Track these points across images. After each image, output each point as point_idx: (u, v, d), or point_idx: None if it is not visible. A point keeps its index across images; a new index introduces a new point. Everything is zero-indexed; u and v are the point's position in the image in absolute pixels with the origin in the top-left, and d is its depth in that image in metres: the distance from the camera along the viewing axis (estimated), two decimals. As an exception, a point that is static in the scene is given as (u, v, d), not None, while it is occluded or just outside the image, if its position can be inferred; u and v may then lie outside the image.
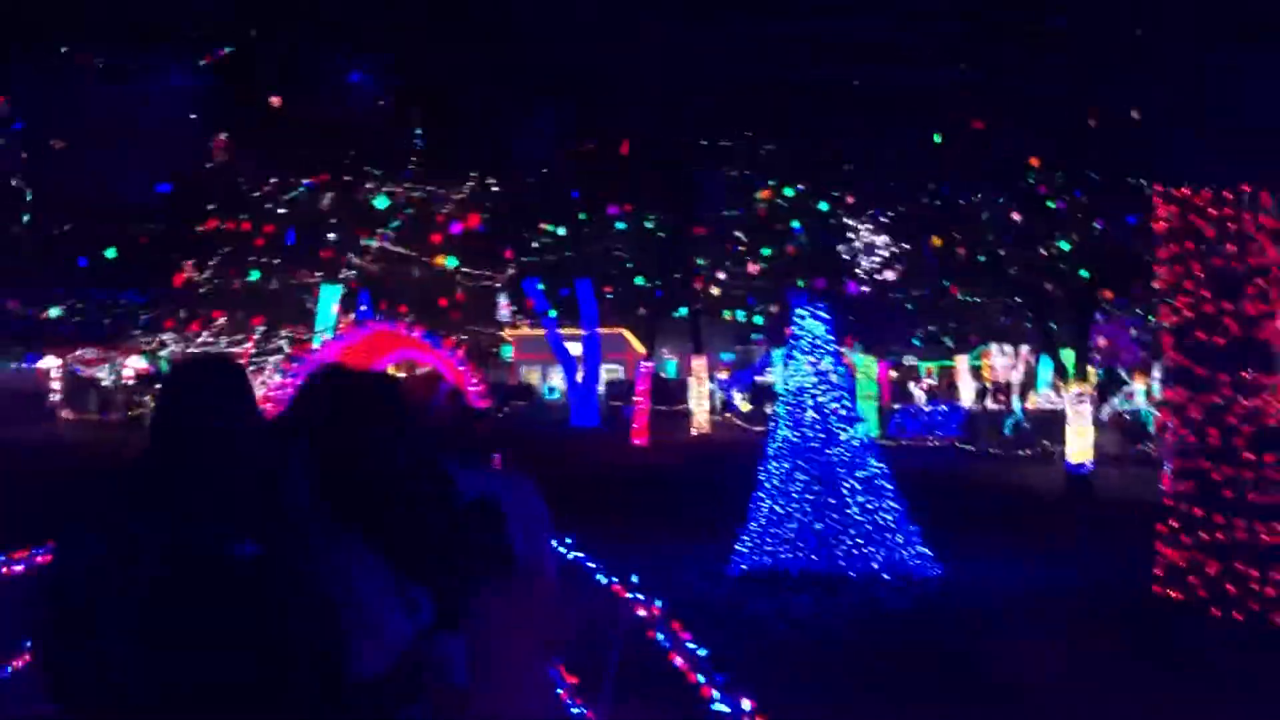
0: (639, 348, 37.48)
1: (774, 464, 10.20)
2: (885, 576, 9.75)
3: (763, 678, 7.30)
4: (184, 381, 2.62)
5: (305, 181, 31.06)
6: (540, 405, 35.83)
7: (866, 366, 28.39)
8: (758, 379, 38.80)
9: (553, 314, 33.84)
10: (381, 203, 29.46)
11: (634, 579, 5.42)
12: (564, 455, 21.91)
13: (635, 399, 28.40)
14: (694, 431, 29.04)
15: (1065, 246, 23.22)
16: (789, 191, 33.53)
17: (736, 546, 10.18)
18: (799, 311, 10.43)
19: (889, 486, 10.15)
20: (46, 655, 2.30)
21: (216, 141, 30.51)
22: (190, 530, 2.29)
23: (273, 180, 32.32)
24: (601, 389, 33.91)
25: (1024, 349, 35.92)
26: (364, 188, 30.81)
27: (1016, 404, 32.36)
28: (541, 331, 35.92)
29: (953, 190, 28.52)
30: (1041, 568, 10.70)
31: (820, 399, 10.16)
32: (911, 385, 38.15)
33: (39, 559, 6.19)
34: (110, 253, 30.31)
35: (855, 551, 9.86)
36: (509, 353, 44.37)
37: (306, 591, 2.33)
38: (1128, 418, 29.69)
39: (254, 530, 2.33)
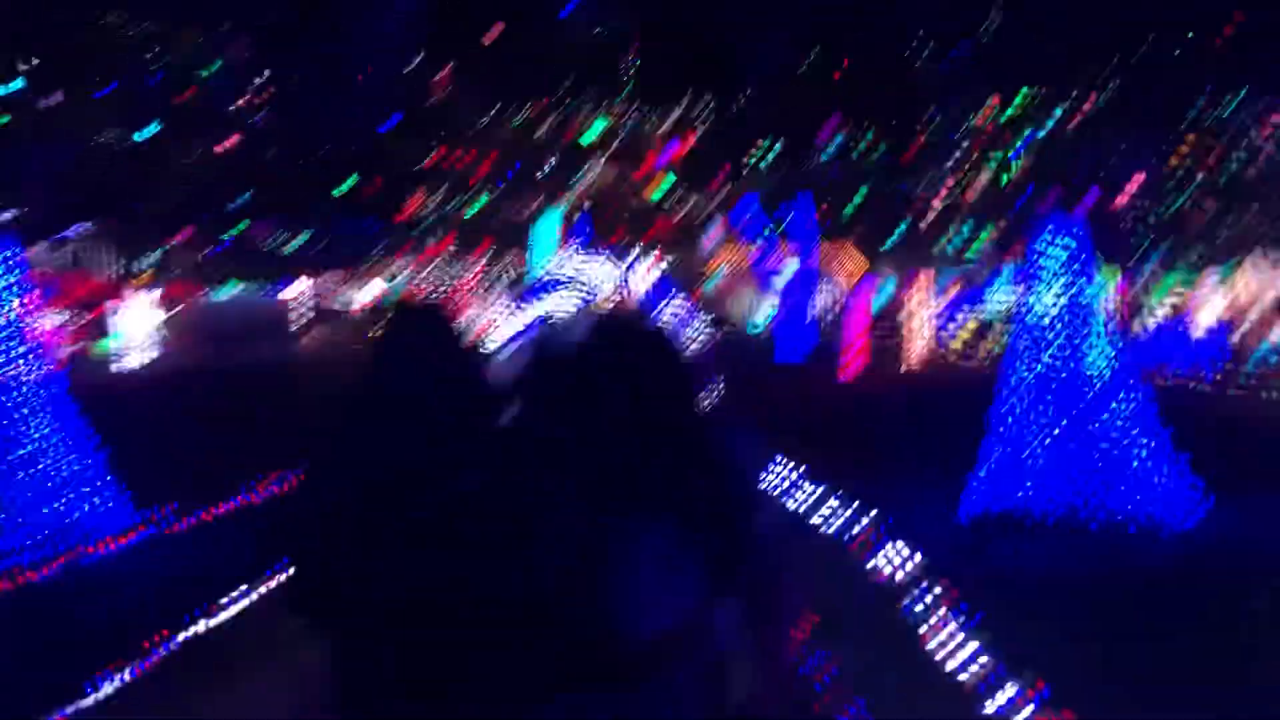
0: (854, 271, 36.18)
1: (1012, 399, 9.34)
2: (1139, 521, 8.82)
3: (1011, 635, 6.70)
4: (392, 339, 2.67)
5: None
6: (745, 335, 34.76)
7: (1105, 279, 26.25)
8: (977, 307, 36.73)
9: (763, 238, 33.00)
10: (598, 126, 29.32)
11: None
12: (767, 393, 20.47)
13: (847, 330, 26.89)
14: (903, 368, 27.14)
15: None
16: (1019, 99, 31.49)
17: (968, 488, 9.44)
18: (1047, 228, 9.43)
19: (1149, 418, 9.15)
20: (313, 571, 2.40)
21: (440, 78, 31.06)
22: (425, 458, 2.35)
23: (494, 109, 32.75)
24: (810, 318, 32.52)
25: (1284, 263, 32.56)
26: (581, 113, 30.78)
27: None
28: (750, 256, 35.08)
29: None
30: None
31: (1069, 330, 9.20)
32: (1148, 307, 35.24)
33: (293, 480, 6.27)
34: (349, 183, 31.45)
35: (1103, 493, 8.95)
36: (713, 283, 43.63)
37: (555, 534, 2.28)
38: None
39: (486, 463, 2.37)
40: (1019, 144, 30.83)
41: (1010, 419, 9.28)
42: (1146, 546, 8.56)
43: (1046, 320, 9.27)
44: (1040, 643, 6.08)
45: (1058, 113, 31.08)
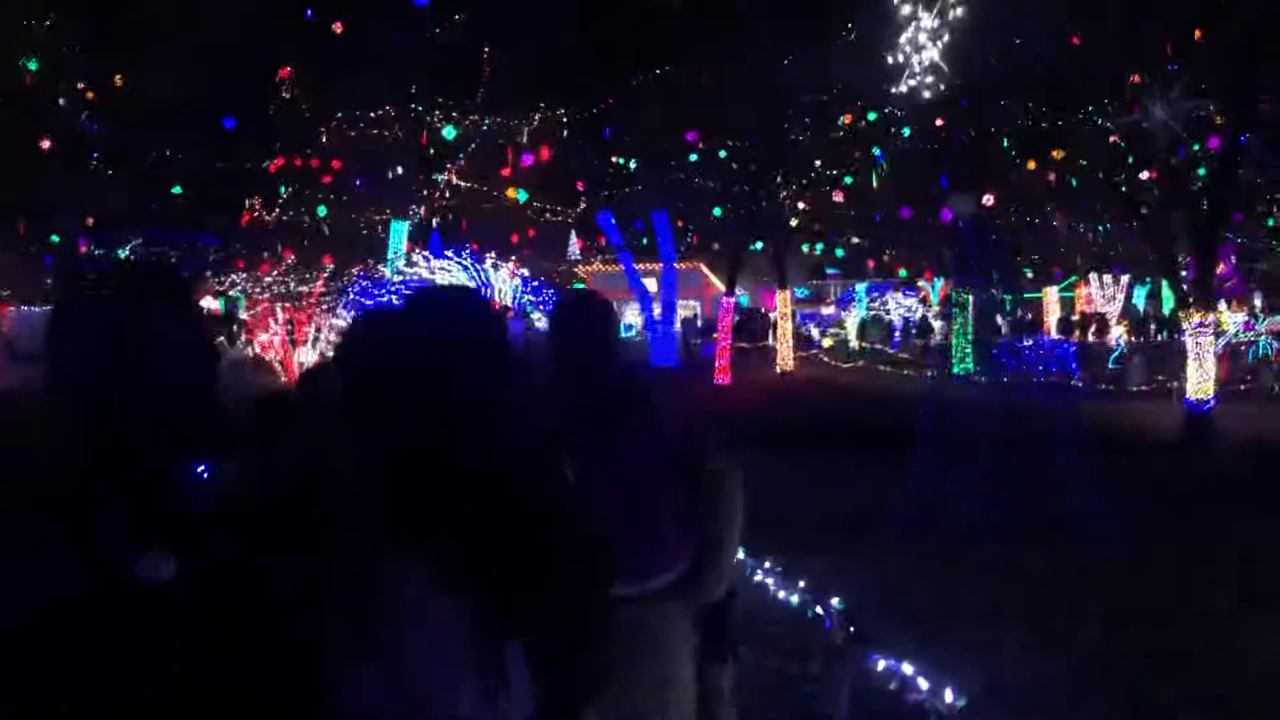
0: (717, 283, 35.27)
1: (938, 413, 8.00)
2: (1078, 549, 7.57)
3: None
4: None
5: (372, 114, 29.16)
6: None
7: (960, 299, 25.88)
8: (842, 313, 36.38)
9: (627, 248, 31.65)
10: (450, 134, 27.35)
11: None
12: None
13: (716, 336, 26.26)
14: (778, 370, 26.82)
15: (1202, 172, 20.55)
16: (872, 116, 30.93)
17: (898, 512, 8.05)
18: (966, 228, 8.15)
19: (1077, 441, 7.93)
20: None
21: (281, 72, 28.63)
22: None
23: (339, 114, 30.50)
24: (678, 327, 31.72)
25: (1124, 279, 33.08)
26: (432, 120, 28.78)
27: (1118, 336, 29.67)
28: (615, 268, 33.81)
29: (1054, 109, 25.89)
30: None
31: (995, 334, 7.93)
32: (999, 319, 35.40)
33: None
34: (177, 189, 28.76)
35: (1038, 519, 7.68)
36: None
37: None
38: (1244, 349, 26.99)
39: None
40: (876, 158, 30.22)
41: (938, 442, 7.92)
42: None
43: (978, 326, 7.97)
44: None
45: (906, 133, 30.67)
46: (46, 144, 26.96)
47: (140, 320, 1.58)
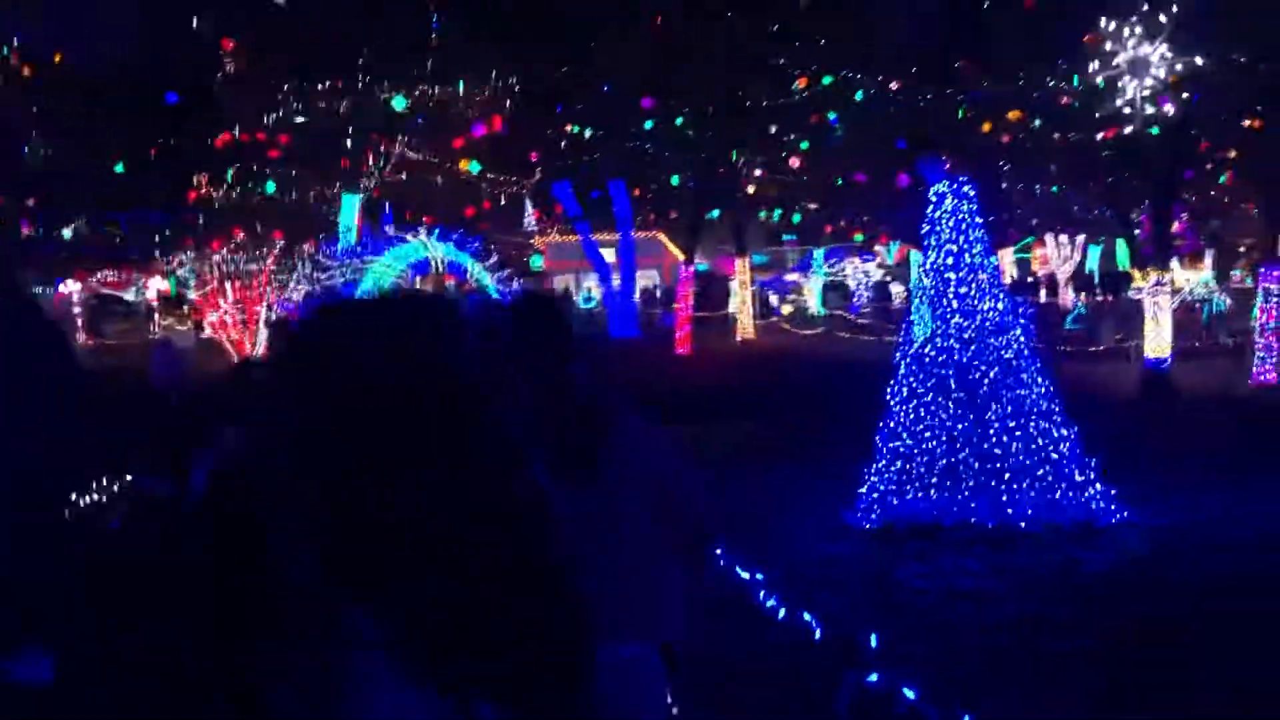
0: (676, 252, 34.89)
1: (909, 382, 7.70)
2: (1066, 527, 7.30)
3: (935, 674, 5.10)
4: None
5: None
6: (576, 315, 33.39)
7: (919, 264, 25.76)
8: (801, 279, 36.15)
9: (584, 218, 31.14)
10: (399, 104, 26.65)
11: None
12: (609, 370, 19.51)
13: (676, 306, 25.91)
14: (739, 338, 26.55)
15: (1154, 131, 20.40)
16: (827, 80, 30.56)
17: (863, 490, 7.74)
18: (936, 188, 7.82)
19: (1056, 406, 7.66)
20: None
21: (224, 43, 27.73)
22: None
23: (286, 86, 29.66)
24: (637, 297, 31.35)
25: (1080, 238, 33.08)
26: (381, 89, 28.02)
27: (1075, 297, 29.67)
28: (573, 238, 33.30)
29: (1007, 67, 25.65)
30: (1243, 504, 8.17)
31: (968, 298, 7.63)
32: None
33: None
34: (118, 168, 27.85)
35: (1021, 494, 7.41)
36: (539, 262, 41.79)
37: None
38: (1198, 306, 27.12)
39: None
40: (831, 122, 29.85)
41: (908, 405, 7.61)
42: (1075, 553, 7.03)
43: (942, 288, 7.66)
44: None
45: (859, 96, 30.35)
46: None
47: None
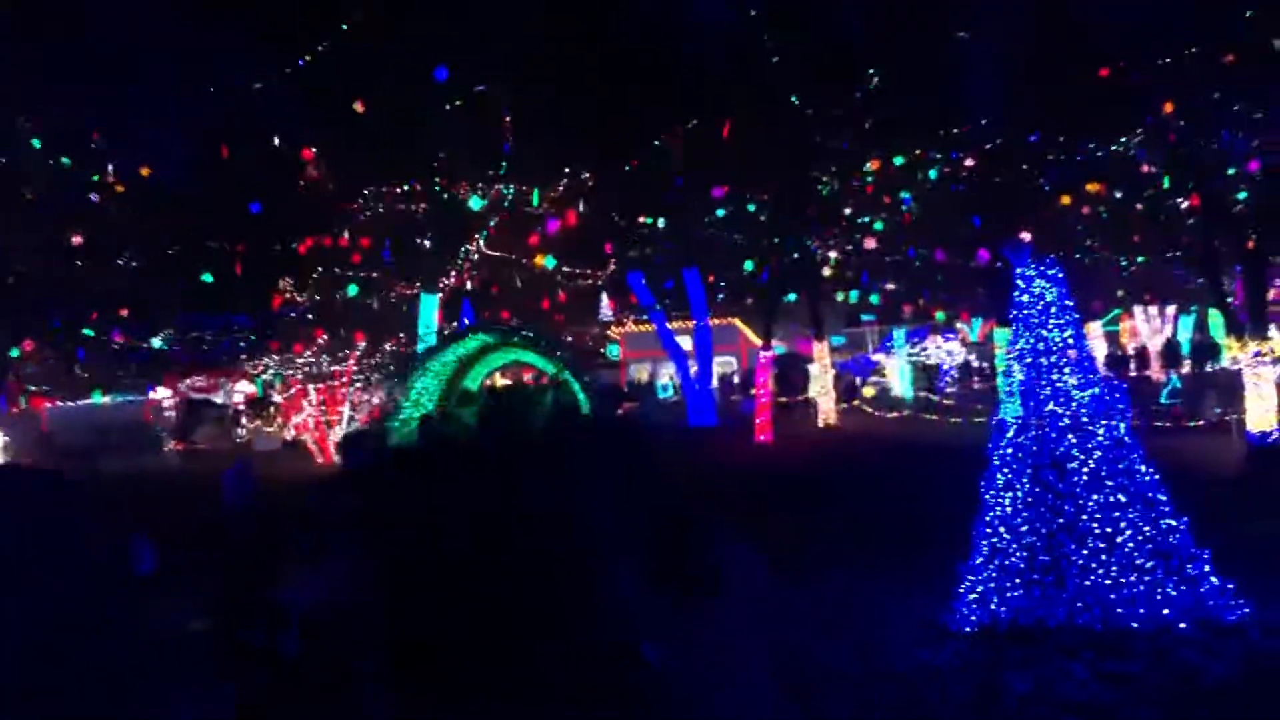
0: (752, 337, 34.67)
1: (1004, 472, 7.30)
2: (1182, 626, 6.78)
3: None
4: None
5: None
6: (654, 405, 33.20)
7: (1005, 338, 25.08)
8: (881, 359, 35.56)
9: (659, 307, 31.12)
10: (476, 204, 27.09)
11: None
12: (685, 460, 19.25)
13: (755, 392, 25.57)
14: (821, 423, 26.03)
15: (1242, 195, 19.83)
16: (899, 160, 30.42)
17: (960, 590, 7.31)
18: (1022, 272, 7.50)
19: (1162, 494, 7.18)
20: None
21: (304, 153, 28.59)
22: None
23: (365, 191, 30.47)
24: (715, 383, 31.08)
25: (1170, 309, 32.08)
26: (457, 190, 28.59)
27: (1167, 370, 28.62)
28: (648, 328, 33.29)
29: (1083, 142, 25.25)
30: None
31: (1062, 382, 7.24)
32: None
33: None
34: (207, 277, 28.66)
35: (1129, 590, 6.91)
36: (616, 351, 41.87)
37: None
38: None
39: None
40: (904, 202, 29.62)
41: (1004, 499, 7.20)
42: (1196, 657, 6.49)
43: (1035, 373, 7.30)
44: None
45: (933, 175, 30.17)
46: (78, 240, 26.98)
47: None
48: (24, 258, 26.91)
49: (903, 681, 6.36)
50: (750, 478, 17.07)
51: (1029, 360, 7.33)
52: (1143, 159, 23.00)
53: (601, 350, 40.97)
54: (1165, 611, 6.79)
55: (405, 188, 30.11)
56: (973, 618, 7.12)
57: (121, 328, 28.52)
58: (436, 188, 28.35)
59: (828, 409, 26.17)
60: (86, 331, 27.79)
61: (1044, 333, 7.31)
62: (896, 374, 32.98)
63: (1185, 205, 23.35)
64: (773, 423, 24.06)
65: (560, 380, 16.38)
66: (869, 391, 31.77)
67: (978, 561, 7.24)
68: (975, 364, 33.97)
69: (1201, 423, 22.01)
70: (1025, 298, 7.40)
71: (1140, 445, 7.32)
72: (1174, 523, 7.10)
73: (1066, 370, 7.21)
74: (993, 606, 7.07)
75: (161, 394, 37.05)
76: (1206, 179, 20.91)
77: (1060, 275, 7.45)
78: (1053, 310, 7.33)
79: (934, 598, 7.50)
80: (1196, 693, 5.97)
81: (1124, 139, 23.10)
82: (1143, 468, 7.21)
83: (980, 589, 7.14)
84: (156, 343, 29.44)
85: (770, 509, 13.38)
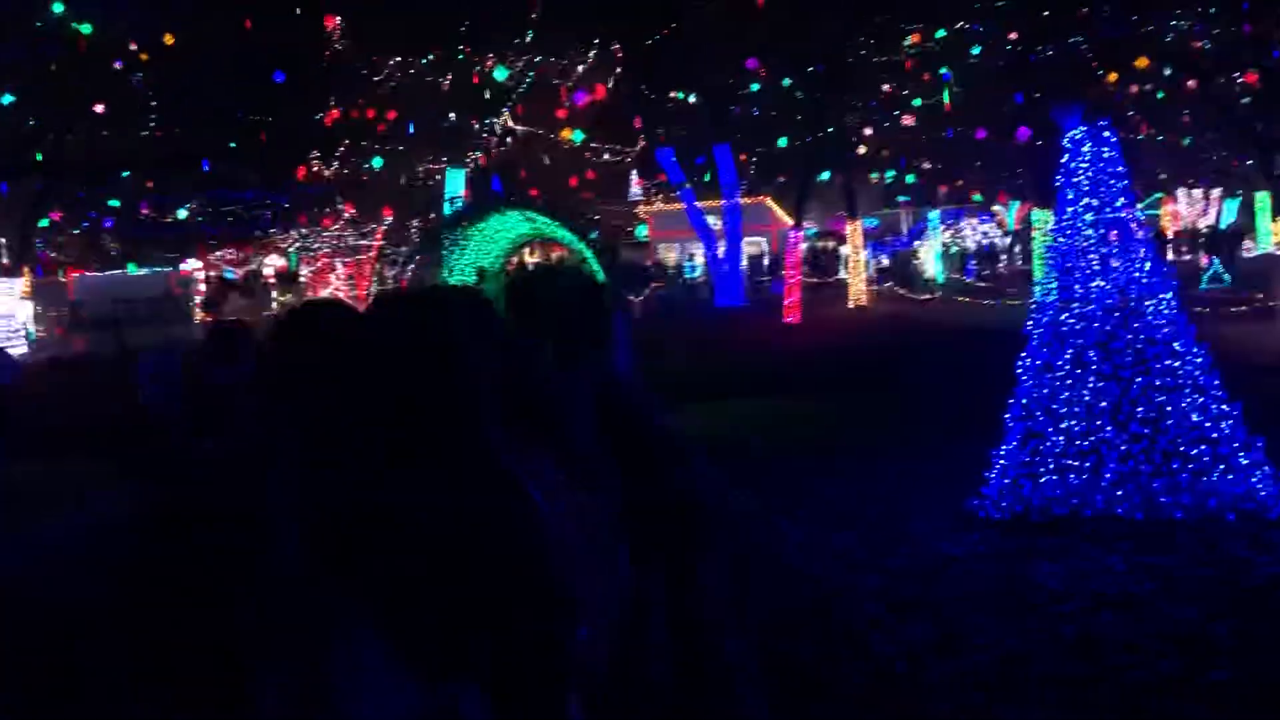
0: (784, 217, 33.80)
1: (1043, 353, 6.75)
2: (1229, 517, 6.30)
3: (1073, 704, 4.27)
4: None
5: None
6: (681, 286, 32.63)
7: (1043, 222, 24.12)
8: (917, 244, 34.65)
9: (688, 185, 30.25)
10: (501, 75, 26.14)
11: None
12: (711, 341, 18.84)
13: (785, 272, 24.92)
14: (851, 305, 25.43)
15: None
16: (940, 33, 29.02)
17: (991, 475, 6.84)
18: (1072, 134, 6.82)
19: (1215, 380, 6.63)
20: None
21: (327, 20, 27.61)
22: None
23: (391, 62, 29.51)
24: (744, 264, 30.36)
25: (1215, 192, 30.86)
26: (483, 61, 27.59)
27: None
28: (677, 207, 32.46)
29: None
30: None
31: (1111, 257, 6.64)
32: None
33: None
34: (232, 145, 28.05)
35: (1174, 480, 6.42)
36: (644, 231, 41.09)
37: None
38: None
39: None
40: (944, 78, 28.34)
41: (1043, 388, 6.67)
42: (1244, 550, 6.02)
43: (1077, 249, 6.68)
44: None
45: (976, 51, 28.78)
46: (100, 107, 26.38)
47: None
48: (49, 127, 26.40)
49: (926, 573, 5.95)
50: (775, 359, 16.62)
51: (1074, 232, 6.70)
52: (1199, 32, 21.73)
53: (630, 230, 40.20)
54: (1211, 502, 6.30)
55: (430, 58, 29.13)
56: (1004, 504, 6.66)
57: (148, 199, 28.13)
58: (461, 57, 27.35)
59: (858, 290, 25.54)
60: (112, 202, 27.42)
61: (1093, 201, 6.66)
62: (929, 257, 32.18)
63: (1240, 82, 22.14)
64: (802, 304, 23.51)
65: (580, 260, 15.82)
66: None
67: (1011, 447, 6.75)
68: (1010, 247, 33.06)
69: (1243, 308, 21.21)
70: (1074, 163, 6.73)
71: (1192, 329, 6.74)
72: (1226, 408, 6.56)
73: (1117, 244, 6.59)
74: (1025, 492, 6.60)
75: (192, 265, 36.82)
76: (1264, 53, 19.73)
77: (1114, 139, 6.77)
78: (1105, 178, 6.67)
79: (964, 485, 7.04)
80: (1242, 589, 5.51)
81: (1178, 10, 21.79)
82: (1194, 350, 6.64)
83: (1013, 475, 6.66)
84: (181, 214, 29.02)
85: (794, 390, 12.95)
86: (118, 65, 27.55)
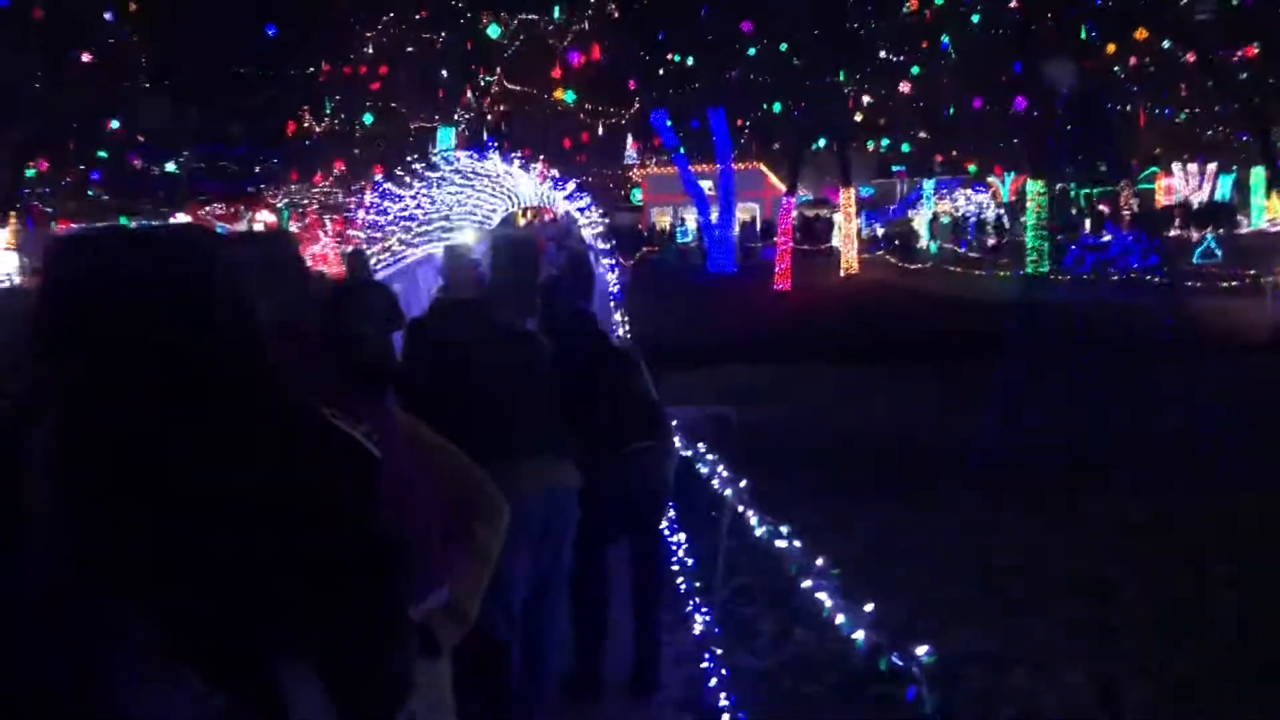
0: (777, 184, 33.65)
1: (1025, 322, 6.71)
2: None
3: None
4: None
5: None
6: (673, 250, 32.44)
7: (1037, 194, 24.00)
8: (911, 212, 34.50)
9: (682, 149, 30.03)
10: (494, 32, 25.88)
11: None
12: (703, 307, 18.74)
13: (777, 239, 24.77)
14: (842, 273, 25.30)
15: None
16: (938, 1, 28.86)
17: (977, 445, 6.81)
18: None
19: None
20: None
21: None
22: None
23: (384, 17, 29.23)
24: (736, 230, 30.16)
25: (1210, 167, 30.72)
26: (476, 18, 27.33)
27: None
28: (671, 170, 32.23)
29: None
30: None
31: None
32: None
33: None
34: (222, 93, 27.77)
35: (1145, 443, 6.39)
36: (638, 195, 40.85)
37: None
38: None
39: None
40: (942, 46, 28.17)
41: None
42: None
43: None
44: None
45: (975, 19, 28.61)
46: (87, 57, 26.06)
47: None
48: (35, 77, 26.08)
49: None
50: (763, 326, 16.53)
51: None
52: (1197, 4, 21.56)
53: (624, 193, 39.96)
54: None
55: (424, 14, 28.85)
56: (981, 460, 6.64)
57: (138, 151, 27.86)
58: (454, 13, 27.08)
59: (849, 258, 25.44)
60: (101, 153, 27.13)
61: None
62: (922, 226, 32.05)
63: (1238, 56, 22.00)
64: (792, 271, 23.38)
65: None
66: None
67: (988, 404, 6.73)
68: (1000, 219, 32.98)
69: (1234, 284, 21.18)
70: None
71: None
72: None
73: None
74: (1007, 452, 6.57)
75: (182, 220, 36.59)
76: (1264, 27, 19.59)
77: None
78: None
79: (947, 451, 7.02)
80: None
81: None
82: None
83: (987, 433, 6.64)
84: (171, 168, 28.76)
85: (781, 358, 12.84)
86: (108, 16, 27.26)
